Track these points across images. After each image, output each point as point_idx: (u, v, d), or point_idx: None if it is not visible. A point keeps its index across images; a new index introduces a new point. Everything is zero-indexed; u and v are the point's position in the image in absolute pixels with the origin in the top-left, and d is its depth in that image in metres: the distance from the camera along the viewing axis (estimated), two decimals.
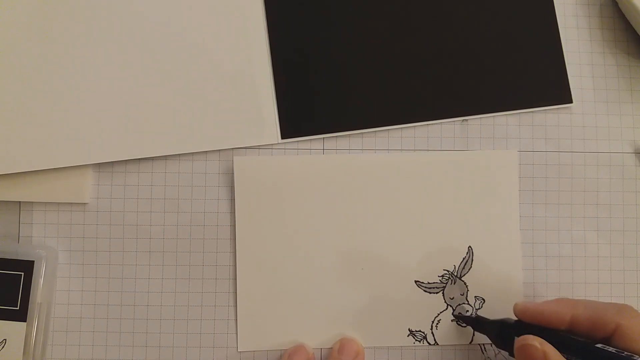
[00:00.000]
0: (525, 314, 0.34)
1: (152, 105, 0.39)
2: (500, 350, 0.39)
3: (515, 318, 0.35)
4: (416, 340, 0.39)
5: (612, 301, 0.39)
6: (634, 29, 0.41)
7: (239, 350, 0.38)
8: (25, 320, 0.37)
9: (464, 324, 0.39)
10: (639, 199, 0.41)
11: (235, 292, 0.39)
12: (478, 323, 0.37)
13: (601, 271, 0.40)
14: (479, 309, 0.39)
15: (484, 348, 0.39)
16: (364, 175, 0.39)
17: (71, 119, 0.39)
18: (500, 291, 0.39)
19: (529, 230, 0.40)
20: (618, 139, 0.41)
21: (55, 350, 0.39)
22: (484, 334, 0.37)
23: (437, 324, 0.39)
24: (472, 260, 0.39)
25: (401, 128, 0.40)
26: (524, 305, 0.34)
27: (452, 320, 0.39)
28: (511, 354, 0.33)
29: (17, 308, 0.37)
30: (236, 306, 0.39)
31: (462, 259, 0.39)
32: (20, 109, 0.39)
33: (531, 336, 0.31)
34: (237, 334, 0.38)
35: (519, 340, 0.31)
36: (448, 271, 0.39)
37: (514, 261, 0.39)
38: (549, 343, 0.31)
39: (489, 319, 0.37)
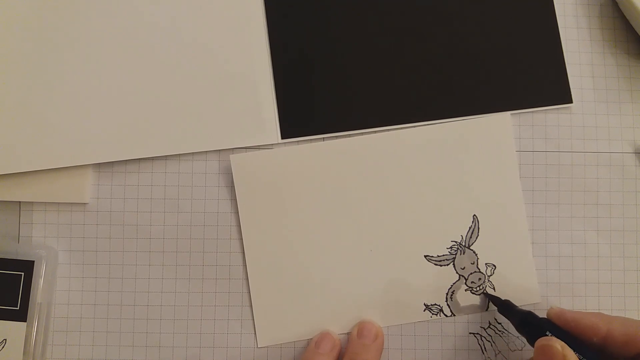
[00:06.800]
0: (559, 319, 0.34)
1: (152, 105, 0.39)
2: (501, 351, 0.39)
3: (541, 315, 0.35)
4: (433, 313, 0.39)
5: (612, 301, 0.40)
6: (634, 29, 0.41)
7: (259, 346, 0.39)
8: (25, 320, 0.37)
9: (489, 301, 0.39)
10: (639, 199, 0.41)
11: (235, 292, 0.39)
12: (505, 307, 0.37)
13: (601, 271, 0.40)
14: (490, 275, 0.39)
15: (484, 348, 0.39)
16: (361, 157, 0.39)
17: (71, 119, 0.39)
18: (509, 255, 0.39)
19: (529, 230, 0.40)
20: (618, 139, 0.41)
21: (55, 350, 0.39)
22: (506, 317, 0.37)
23: (452, 295, 0.39)
24: (479, 228, 0.39)
25: (401, 128, 0.40)
26: (560, 310, 0.35)
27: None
28: (529, 342, 0.34)
29: (17, 308, 0.37)
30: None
31: (468, 228, 0.39)
32: (20, 109, 0.39)
33: (554, 338, 0.32)
34: (254, 330, 0.39)
35: (542, 340, 0.32)
36: (456, 242, 0.39)
37: (520, 223, 0.39)
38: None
39: (517, 307, 0.37)
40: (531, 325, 0.35)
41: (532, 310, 0.36)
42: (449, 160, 0.40)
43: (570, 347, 0.31)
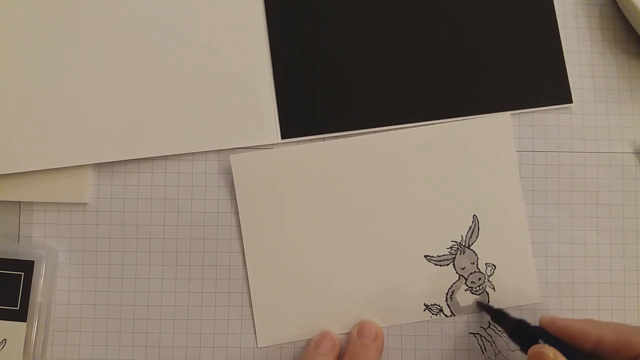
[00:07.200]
0: (551, 327, 0.34)
1: (152, 105, 0.39)
2: (501, 351, 0.39)
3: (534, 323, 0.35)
4: (433, 313, 0.39)
5: (612, 301, 0.40)
6: (634, 29, 0.41)
7: (259, 346, 0.39)
8: (25, 320, 0.37)
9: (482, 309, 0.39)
10: (639, 199, 0.41)
11: (235, 292, 0.39)
12: (498, 316, 0.37)
13: (601, 271, 0.40)
14: (490, 275, 0.39)
15: (484, 348, 0.39)
16: (361, 157, 0.39)
17: (71, 119, 0.39)
18: (509, 256, 0.39)
19: (529, 230, 0.40)
20: (618, 139, 0.41)
21: (55, 350, 0.39)
22: (500, 326, 0.38)
23: (452, 295, 0.39)
24: (479, 228, 0.39)
25: (401, 128, 0.40)
26: (551, 318, 0.35)
27: (471, 294, 0.39)
28: (522, 350, 0.34)
29: (17, 308, 0.37)
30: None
31: (468, 228, 0.39)
32: (21, 109, 0.39)
33: (547, 345, 0.32)
34: (254, 330, 0.39)
35: (534, 348, 0.32)
36: (456, 242, 0.39)
37: (520, 223, 0.39)
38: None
39: (509, 315, 0.37)
40: (524, 333, 0.35)
41: (529, 315, 0.36)
42: (449, 160, 0.40)
43: (562, 354, 0.31)
